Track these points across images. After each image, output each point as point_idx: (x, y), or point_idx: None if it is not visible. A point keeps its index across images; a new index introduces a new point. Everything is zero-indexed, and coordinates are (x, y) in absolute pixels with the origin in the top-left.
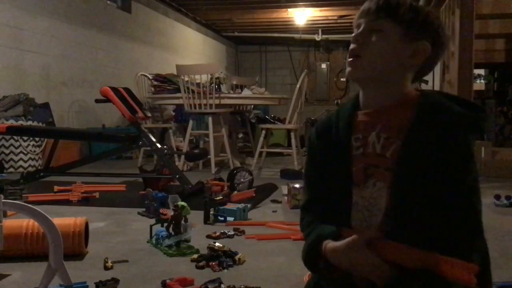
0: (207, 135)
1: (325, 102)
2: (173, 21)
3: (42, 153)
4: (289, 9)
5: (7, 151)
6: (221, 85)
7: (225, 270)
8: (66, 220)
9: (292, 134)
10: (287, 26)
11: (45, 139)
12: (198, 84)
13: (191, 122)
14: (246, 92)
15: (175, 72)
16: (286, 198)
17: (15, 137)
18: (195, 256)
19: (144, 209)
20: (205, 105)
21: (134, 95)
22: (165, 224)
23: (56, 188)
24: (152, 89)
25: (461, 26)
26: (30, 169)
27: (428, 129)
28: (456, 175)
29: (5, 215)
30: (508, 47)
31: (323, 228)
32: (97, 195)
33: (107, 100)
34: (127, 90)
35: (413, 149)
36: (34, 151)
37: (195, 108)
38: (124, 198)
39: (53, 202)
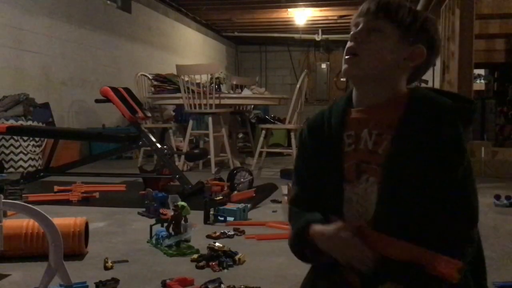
0: (207, 135)
1: (325, 102)
2: (173, 21)
3: (42, 153)
4: (289, 9)
5: (7, 151)
6: (221, 85)
7: (225, 270)
8: (66, 220)
9: (292, 134)
10: (287, 26)
11: (45, 139)
12: (198, 84)
13: (191, 122)
14: (246, 92)
15: (175, 72)
16: (286, 198)
17: (15, 137)
18: (195, 256)
19: (144, 209)
20: (205, 105)
21: (134, 95)
22: (165, 224)
23: (56, 188)
24: (152, 89)
25: (461, 26)
26: (30, 169)
27: (417, 122)
28: (446, 166)
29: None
30: (508, 47)
31: (312, 214)
32: (97, 195)
33: (107, 100)
34: (127, 90)
35: (403, 143)
36: (34, 151)
37: (195, 108)
38: (124, 198)
39: (53, 202)
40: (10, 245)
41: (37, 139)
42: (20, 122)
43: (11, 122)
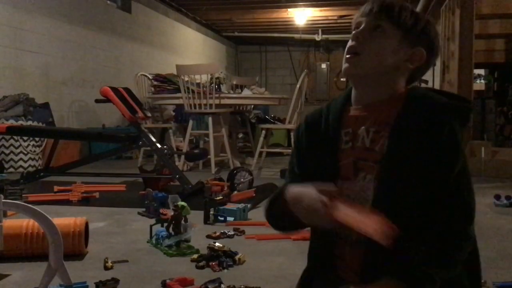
0: (207, 135)
1: (325, 102)
2: (173, 21)
3: (42, 153)
4: (289, 9)
5: (7, 151)
6: (221, 85)
7: (225, 270)
8: (66, 220)
9: (292, 134)
10: (287, 26)
11: (45, 139)
12: (198, 84)
13: (191, 122)
14: (246, 92)
15: (175, 72)
16: None
17: (15, 137)
18: (195, 256)
19: (144, 209)
20: (205, 105)
21: (134, 95)
22: (165, 224)
23: (56, 188)
24: (152, 89)
25: (461, 26)
26: (30, 169)
27: (413, 120)
28: (441, 164)
29: (5, 215)
30: (508, 47)
31: (293, 181)
32: (97, 195)
33: (107, 100)
34: (127, 90)
35: (399, 141)
36: (34, 151)
37: (195, 108)
38: (124, 198)
39: (53, 202)
40: (10, 245)
41: (37, 139)
42: (20, 122)
43: (11, 122)
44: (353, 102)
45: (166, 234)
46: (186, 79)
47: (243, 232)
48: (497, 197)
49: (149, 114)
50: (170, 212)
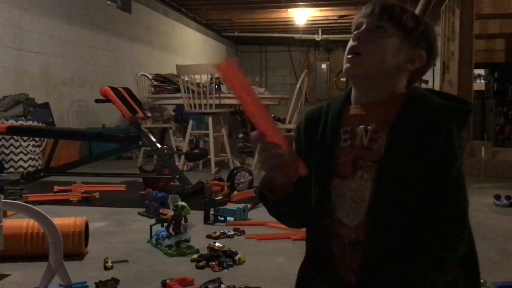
0: (207, 135)
1: (325, 102)
2: (173, 21)
3: (42, 153)
4: (289, 9)
5: (7, 151)
6: (221, 85)
7: (225, 270)
8: (66, 220)
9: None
10: (287, 26)
11: (45, 139)
12: (198, 84)
13: (191, 122)
14: None
15: (175, 72)
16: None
17: (15, 137)
18: (195, 256)
19: (144, 209)
20: (205, 105)
21: (134, 95)
22: (165, 224)
23: (56, 188)
24: (152, 89)
25: (461, 26)
26: (30, 169)
27: (411, 120)
28: (437, 166)
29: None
30: (508, 47)
31: None
32: (97, 195)
33: (107, 100)
34: (127, 90)
35: (396, 141)
36: (34, 151)
37: (195, 108)
38: (124, 198)
39: (53, 202)
40: (10, 245)
41: (37, 139)
42: (20, 122)
43: (11, 122)
44: (353, 101)
45: (166, 234)
46: (186, 79)
47: (243, 232)
48: (497, 197)
49: (149, 114)
50: (170, 212)
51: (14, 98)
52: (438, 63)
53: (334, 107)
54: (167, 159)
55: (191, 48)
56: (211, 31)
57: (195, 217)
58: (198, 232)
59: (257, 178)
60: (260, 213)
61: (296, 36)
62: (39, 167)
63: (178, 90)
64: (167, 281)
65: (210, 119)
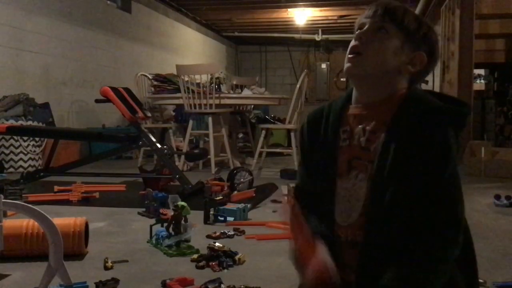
0: (207, 135)
1: (325, 102)
2: (173, 21)
3: (42, 153)
4: (289, 9)
5: (7, 151)
6: (221, 85)
7: (225, 270)
8: (66, 220)
9: (292, 134)
10: (287, 26)
11: (45, 139)
12: (198, 84)
13: (191, 122)
14: (246, 92)
15: (175, 72)
16: (286, 198)
17: (15, 137)
18: (195, 256)
19: (144, 209)
20: (205, 105)
21: (134, 95)
22: (165, 224)
23: (56, 188)
24: (152, 89)
25: (461, 26)
26: (30, 169)
27: (408, 121)
28: (431, 168)
29: (5, 215)
30: (508, 47)
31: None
32: (97, 195)
33: (107, 100)
34: (127, 90)
35: (393, 141)
36: (34, 151)
37: (195, 108)
38: (124, 198)
39: (53, 202)
40: (10, 245)
41: (37, 139)
42: (20, 122)
43: (11, 122)
44: (353, 101)
45: (166, 234)
46: (186, 79)
47: (243, 232)
48: (497, 197)
49: (149, 114)
50: (170, 212)
51: (14, 98)
52: (438, 63)
53: (335, 107)
54: (167, 159)
55: (191, 48)
56: (211, 31)
57: (195, 217)
58: (198, 232)
59: (257, 178)
60: (260, 213)
61: (296, 36)
62: (39, 167)
63: (178, 90)
64: (167, 281)
65: (210, 119)
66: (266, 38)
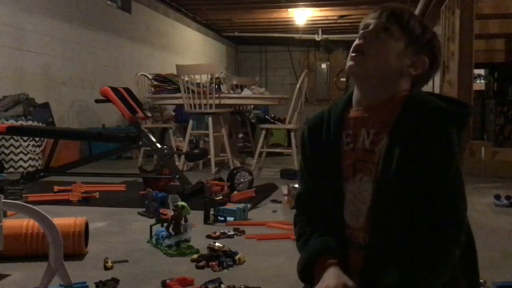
0: (207, 135)
1: (325, 102)
2: (173, 21)
3: (42, 153)
4: (289, 9)
5: (7, 151)
6: (221, 85)
7: (225, 270)
8: (66, 220)
9: (292, 134)
10: (287, 26)
11: (45, 139)
12: (198, 84)
13: (191, 122)
14: (246, 92)
15: (175, 72)
16: (286, 198)
17: (15, 137)
18: (195, 256)
19: (144, 209)
20: (205, 105)
21: (134, 95)
22: (165, 224)
23: (56, 188)
24: (152, 89)
25: (461, 26)
26: (30, 169)
27: (411, 122)
28: (434, 168)
29: (5, 215)
30: (508, 47)
31: (321, 241)
32: (97, 195)
33: (107, 100)
34: (127, 90)
35: (397, 142)
36: (34, 151)
37: (195, 108)
38: (124, 198)
39: (53, 202)
40: (10, 245)
41: (37, 139)
42: (20, 122)
43: (11, 122)
44: (354, 103)
45: (166, 234)
46: (186, 79)
47: (243, 232)
48: (497, 197)
49: (149, 114)
50: (170, 212)
51: (14, 98)
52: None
53: (336, 111)
54: (167, 159)
55: (191, 48)
56: (211, 31)
57: (195, 217)
58: (198, 232)
59: (257, 178)
60: (260, 213)
61: (296, 36)
62: (39, 167)
63: (178, 90)
64: (167, 281)
65: (210, 119)
66: (266, 38)
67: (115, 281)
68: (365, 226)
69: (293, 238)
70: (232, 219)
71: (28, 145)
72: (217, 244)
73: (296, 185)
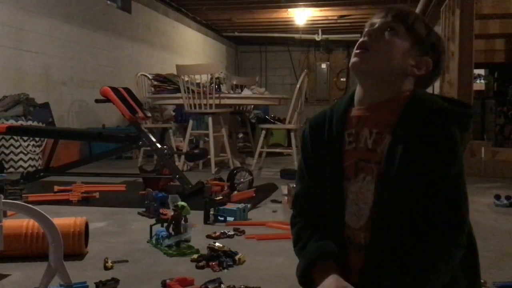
0: (207, 135)
1: (325, 102)
2: (173, 21)
3: (42, 153)
4: (289, 9)
5: (7, 151)
6: (221, 85)
7: (225, 270)
8: (66, 220)
9: (292, 134)
10: (287, 26)
11: (45, 139)
12: (198, 84)
13: (191, 122)
14: (246, 92)
15: (175, 72)
16: (286, 198)
17: (15, 137)
18: (195, 256)
19: (144, 209)
20: (205, 105)
21: (134, 95)
22: (165, 224)
23: (56, 188)
24: (152, 89)
25: (461, 26)
26: (30, 169)
27: (414, 122)
28: (438, 167)
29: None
30: (508, 47)
31: (320, 245)
32: (97, 195)
33: (107, 100)
34: (127, 90)
35: (400, 142)
36: (34, 151)
37: (195, 108)
38: (124, 198)
39: (53, 202)
40: (10, 245)
41: (37, 139)
42: (20, 122)
43: (11, 122)
44: (356, 102)
45: (166, 234)
46: (186, 79)
47: (243, 232)
48: (497, 197)
49: (149, 114)
50: (170, 212)
51: (14, 98)
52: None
53: (338, 110)
54: (167, 159)
55: (191, 48)
56: (211, 31)
57: (195, 217)
58: (198, 232)
59: (257, 178)
60: (260, 213)
61: (296, 36)
62: (39, 167)
63: (178, 90)
64: (167, 281)
65: (210, 119)
66: (266, 38)
67: (115, 281)
68: (366, 226)
69: None
70: (232, 219)
71: (28, 145)
72: (217, 244)
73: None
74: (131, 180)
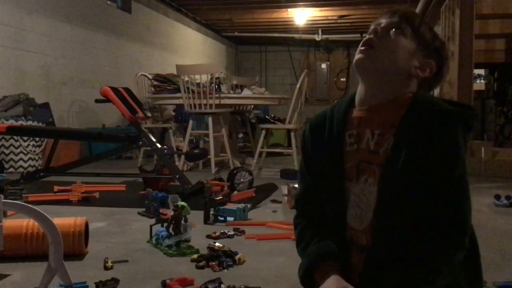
0: (207, 135)
1: (325, 102)
2: (173, 21)
3: (42, 153)
4: (289, 9)
5: (7, 151)
6: (221, 85)
7: (225, 270)
8: (66, 220)
9: (292, 134)
10: (287, 26)
11: (45, 139)
12: (198, 84)
13: (191, 122)
14: (246, 92)
15: (175, 72)
16: (286, 198)
17: (15, 137)
18: (195, 256)
19: (144, 209)
20: (205, 105)
21: (134, 95)
22: (165, 224)
23: (56, 188)
24: (152, 89)
25: (461, 26)
26: (30, 169)
27: (416, 124)
28: (440, 170)
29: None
30: (508, 47)
31: (321, 245)
32: (97, 195)
33: (107, 100)
34: (127, 90)
35: (403, 143)
36: (34, 151)
37: (195, 108)
38: (124, 198)
39: (53, 202)
40: (10, 245)
41: (37, 139)
42: (20, 122)
43: (11, 122)
44: (357, 103)
45: (166, 234)
46: (186, 79)
47: (243, 232)
48: (497, 197)
49: (149, 114)
50: (170, 212)
51: (14, 98)
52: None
53: (339, 111)
54: (167, 159)
55: (191, 48)
56: (211, 31)
57: (195, 217)
58: (198, 232)
59: (257, 178)
60: (260, 213)
61: (296, 36)
62: (39, 167)
63: (178, 90)
64: (167, 281)
65: (210, 119)
66: (266, 38)
67: (115, 281)
68: (369, 228)
69: (293, 238)
70: (232, 219)
71: (28, 145)
72: (217, 244)
73: (296, 185)
74: (131, 180)
